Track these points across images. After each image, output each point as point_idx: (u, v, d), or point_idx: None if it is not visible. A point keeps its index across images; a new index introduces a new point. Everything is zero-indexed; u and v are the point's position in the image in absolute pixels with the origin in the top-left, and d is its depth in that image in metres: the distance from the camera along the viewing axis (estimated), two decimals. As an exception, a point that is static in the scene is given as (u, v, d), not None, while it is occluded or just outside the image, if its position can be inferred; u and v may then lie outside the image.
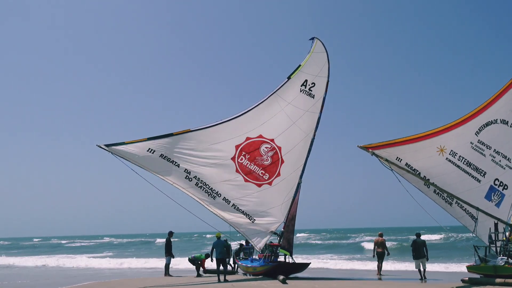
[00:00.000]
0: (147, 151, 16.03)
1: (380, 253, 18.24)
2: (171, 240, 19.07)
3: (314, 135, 18.40)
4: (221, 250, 15.52)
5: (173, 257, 19.02)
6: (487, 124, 15.92)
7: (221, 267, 15.45)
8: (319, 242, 55.44)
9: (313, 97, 18.45)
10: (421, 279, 15.94)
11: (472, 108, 15.85)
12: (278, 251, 17.42)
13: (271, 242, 17.74)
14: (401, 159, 14.27)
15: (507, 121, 16.22)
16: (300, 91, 18.31)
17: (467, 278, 14.13)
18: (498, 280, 13.12)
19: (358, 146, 14.06)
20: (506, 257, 14.13)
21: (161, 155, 16.20)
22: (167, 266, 18.54)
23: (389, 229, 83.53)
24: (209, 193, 16.76)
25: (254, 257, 19.09)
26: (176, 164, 16.37)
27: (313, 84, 18.46)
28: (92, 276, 20.45)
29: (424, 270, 16.17)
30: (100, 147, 15.58)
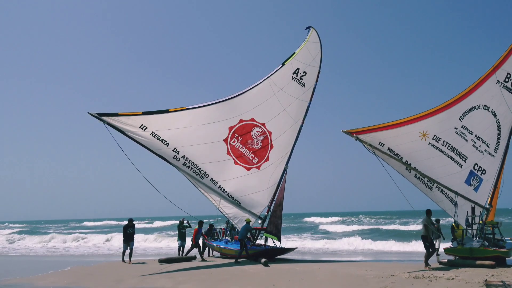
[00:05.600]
0: (140, 127, 15.70)
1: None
2: (133, 227, 17.35)
3: (303, 123, 18.72)
4: (241, 231, 16.29)
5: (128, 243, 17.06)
6: (470, 110, 16.12)
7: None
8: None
9: (303, 85, 18.73)
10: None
11: (450, 97, 16.08)
12: (262, 235, 17.62)
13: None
14: (384, 144, 14.39)
15: (489, 107, 16.44)
16: (292, 79, 18.58)
17: (445, 260, 14.51)
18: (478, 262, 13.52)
19: (342, 131, 14.11)
20: (482, 240, 14.58)
21: (152, 133, 15.90)
22: (123, 252, 17.42)
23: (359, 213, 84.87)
24: (197, 173, 16.67)
25: (226, 238, 19.21)
26: (166, 143, 16.13)
27: (304, 73, 18.73)
28: (76, 260, 20.39)
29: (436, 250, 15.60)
30: (92, 115, 14.93)
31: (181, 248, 18.80)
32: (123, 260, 17.32)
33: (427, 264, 13.24)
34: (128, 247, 17.05)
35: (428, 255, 13.41)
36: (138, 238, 31.78)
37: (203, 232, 19.67)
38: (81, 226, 75.31)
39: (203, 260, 16.97)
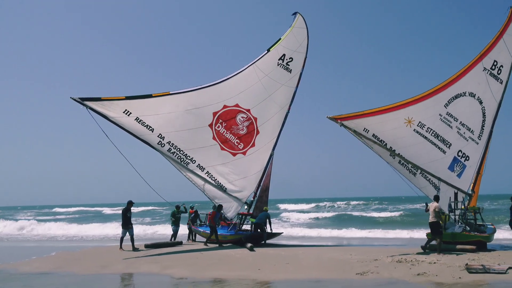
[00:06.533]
0: (123, 112, 15.39)
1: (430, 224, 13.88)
2: (131, 210, 16.35)
3: (289, 109, 18.70)
4: (260, 217, 17.08)
5: (128, 229, 16.17)
6: (456, 97, 16.19)
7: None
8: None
9: (290, 71, 18.65)
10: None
11: (436, 83, 16.10)
12: (248, 220, 17.73)
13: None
14: (368, 130, 14.42)
15: (475, 94, 16.53)
16: (278, 65, 18.47)
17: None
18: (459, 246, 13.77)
19: (327, 116, 14.09)
20: (464, 225, 14.86)
21: (136, 118, 15.64)
22: (126, 238, 16.26)
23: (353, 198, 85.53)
24: (182, 159, 16.48)
25: None
26: (151, 128, 15.91)
27: (290, 59, 18.62)
28: (61, 246, 20.29)
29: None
30: (75, 100, 14.54)
31: (176, 234, 18.58)
32: (121, 247, 16.03)
33: (440, 251, 13.16)
34: (128, 233, 16.07)
35: (441, 242, 13.39)
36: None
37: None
38: (53, 213, 73.96)
39: (205, 244, 16.80)
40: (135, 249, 15.90)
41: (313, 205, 64.46)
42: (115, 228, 30.18)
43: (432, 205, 13.77)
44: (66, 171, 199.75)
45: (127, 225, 16.16)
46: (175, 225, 18.80)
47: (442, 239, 13.60)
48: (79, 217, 57.18)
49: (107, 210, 69.61)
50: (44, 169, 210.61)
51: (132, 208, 16.43)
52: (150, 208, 64.44)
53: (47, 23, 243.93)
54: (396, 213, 38.64)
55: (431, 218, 13.61)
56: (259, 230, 17.00)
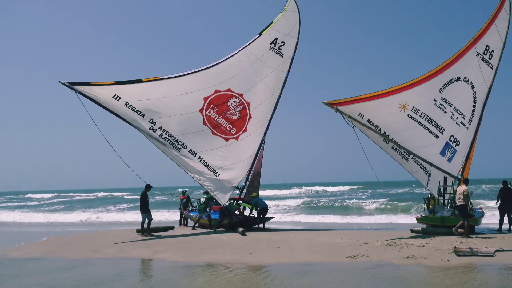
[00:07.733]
0: (113, 97, 15.20)
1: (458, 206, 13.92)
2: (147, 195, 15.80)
3: (281, 94, 18.61)
4: (262, 202, 17.45)
5: (146, 213, 15.66)
6: (450, 81, 16.15)
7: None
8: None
9: (282, 55, 18.50)
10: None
11: (431, 67, 16.02)
12: (239, 205, 17.75)
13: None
14: (363, 115, 14.34)
15: (468, 79, 16.52)
16: (270, 49, 18.32)
17: (419, 228, 14.95)
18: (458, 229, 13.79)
19: (323, 102, 13.95)
20: (452, 209, 15.05)
21: (126, 104, 15.46)
22: (143, 224, 15.80)
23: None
24: (174, 145, 16.39)
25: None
26: (141, 114, 15.77)
27: (282, 43, 18.45)
28: (52, 231, 20.22)
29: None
30: (64, 84, 14.43)
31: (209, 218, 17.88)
32: (139, 232, 15.75)
33: (468, 235, 13.06)
34: (146, 218, 15.62)
35: (468, 224, 13.24)
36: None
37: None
38: (28, 198, 72.70)
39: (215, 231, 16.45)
40: (139, 232, 15.68)
41: (299, 190, 64.69)
42: (105, 213, 30.23)
43: (461, 188, 13.76)
44: (35, 157, 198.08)
45: (145, 210, 15.62)
46: (207, 210, 17.81)
47: (469, 221, 13.42)
48: (63, 201, 57.07)
49: (81, 195, 69.30)
50: (12, 154, 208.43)
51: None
52: (118, 194, 64.59)
53: (41, 14, 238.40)
54: (384, 199, 38.82)
55: (459, 201, 13.54)
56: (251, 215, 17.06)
